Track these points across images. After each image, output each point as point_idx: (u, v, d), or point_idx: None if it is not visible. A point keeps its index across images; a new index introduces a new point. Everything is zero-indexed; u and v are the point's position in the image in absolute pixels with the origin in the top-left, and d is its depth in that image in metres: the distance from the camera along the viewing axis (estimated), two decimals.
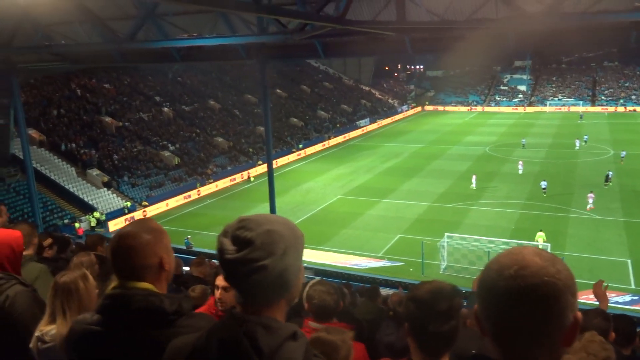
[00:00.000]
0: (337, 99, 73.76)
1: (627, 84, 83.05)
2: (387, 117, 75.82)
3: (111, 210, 35.20)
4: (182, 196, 38.93)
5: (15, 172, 33.84)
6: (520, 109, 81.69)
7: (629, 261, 24.02)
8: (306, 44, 19.51)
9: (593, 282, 4.50)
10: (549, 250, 21.28)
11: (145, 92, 52.23)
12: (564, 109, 78.54)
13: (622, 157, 42.94)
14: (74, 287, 3.02)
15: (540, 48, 17.44)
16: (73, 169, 38.10)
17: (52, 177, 36.17)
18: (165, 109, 50.94)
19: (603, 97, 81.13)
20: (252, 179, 43.84)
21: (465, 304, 2.54)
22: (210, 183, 42.01)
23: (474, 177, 37.49)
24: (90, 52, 23.65)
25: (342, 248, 27.18)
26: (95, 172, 38.28)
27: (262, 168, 42.16)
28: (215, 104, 56.39)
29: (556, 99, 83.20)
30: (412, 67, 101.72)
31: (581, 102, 79.13)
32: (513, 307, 1.17)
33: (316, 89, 73.54)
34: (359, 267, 24.40)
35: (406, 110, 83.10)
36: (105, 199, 36.34)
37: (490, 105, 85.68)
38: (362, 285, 14.26)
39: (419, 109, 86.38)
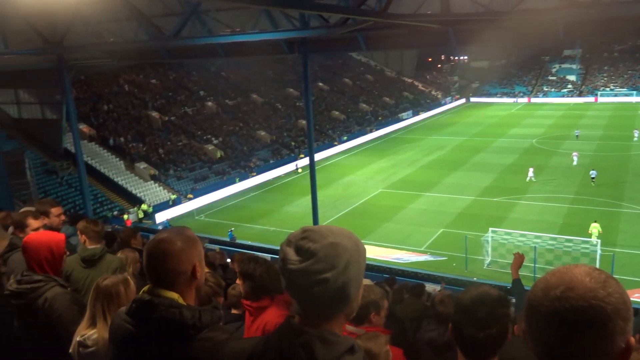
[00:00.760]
0: (379, 91, 73.18)
1: None
2: (430, 109, 74.72)
3: (158, 203, 36.16)
4: (225, 189, 39.57)
5: (67, 166, 35.14)
6: (570, 100, 78.95)
7: None
8: (348, 37, 19.43)
9: None
10: (599, 246, 20.58)
11: (189, 87, 53.24)
12: (617, 99, 75.38)
13: None
14: (114, 291, 3.04)
15: (591, 37, 16.79)
16: (122, 162, 39.30)
17: (102, 171, 37.41)
18: (209, 103, 51.80)
19: None
20: (300, 170, 43.92)
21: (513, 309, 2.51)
22: (252, 176, 42.51)
23: (531, 169, 36.48)
24: (137, 49, 24.29)
25: (384, 242, 27.04)
26: (142, 165, 39.37)
27: (305, 161, 42.29)
28: (257, 98, 56.94)
29: (608, 89, 79.94)
30: (456, 57, 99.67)
31: (635, 92, 75.74)
32: (557, 329, 1.13)
33: (358, 82, 73.16)
34: (401, 261, 24.24)
35: (450, 102, 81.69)
36: (152, 192, 37.34)
37: (538, 96, 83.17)
38: (405, 280, 14.19)
39: (462, 100, 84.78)
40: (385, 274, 19.60)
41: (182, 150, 43.28)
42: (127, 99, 46.62)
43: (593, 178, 34.05)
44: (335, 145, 52.76)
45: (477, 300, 2.13)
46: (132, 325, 2.05)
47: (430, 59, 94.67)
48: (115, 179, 37.22)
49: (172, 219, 33.86)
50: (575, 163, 39.00)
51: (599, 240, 23.18)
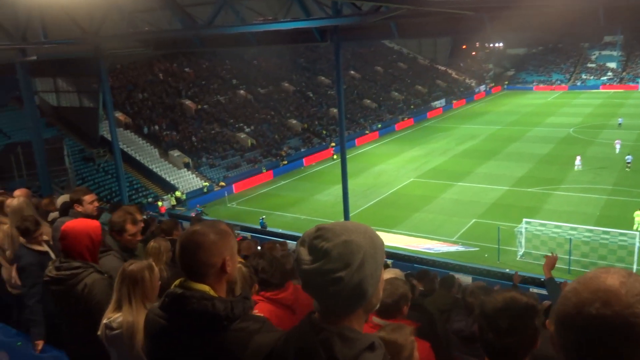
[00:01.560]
0: (411, 79, 72.30)
1: None
2: (464, 97, 73.49)
3: (191, 190, 36.75)
4: (256, 177, 39.90)
5: (104, 153, 35.97)
6: (609, 88, 76.46)
7: None
8: (380, 25, 19.20)
9: None
10: (638, 239, 19.90)
11: (222, 75, 53.67)
12: None
13: None
14: (140, 276, 3.09)
15: (632, 22, 16.16)
16: (156, 150, 40.01)
17: (137, 158, 38.18)
18: (241, 92, 52.15)
19: None
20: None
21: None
22: (283, 165, 42.71)
23: (578, 157, 35.70)
24: (171, 38, 24.58)
25: (415, 231, 26.87)
26: (176, 153, 40.01)
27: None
28: (289, 86, 57.01)
29: None
30: (491, 45, 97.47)
31: None
32: (592, 347, 1.07)
33: (390, 70, 72.41)
34: (432, 251, 24.07)
35: (484, 90, 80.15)
36: (186, 179, 37.96)
37: (576, 84, 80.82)
38: (435, 271, 14.07)
39: (498, 88, 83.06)
40: (415, 263, 19.54)
41: (214, 139, 43.78)
42: (161, 87, 47.34)
43: (629, 163, 33.67)
44: (367, 133, 52.52)
45: (501, 310, 2.11)
46: (165, 319, 2.10)
47: (464, 46, 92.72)
48: (150, 167, 37.95)
49: (205, 206, 34.37)
50: (617, 151, 37.88)
51: (638, 233, 22.52)
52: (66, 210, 5.68)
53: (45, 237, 4.93)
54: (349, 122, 50.89)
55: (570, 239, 21.61)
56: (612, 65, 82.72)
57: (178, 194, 35.59)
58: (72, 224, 3.67)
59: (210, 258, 2.07)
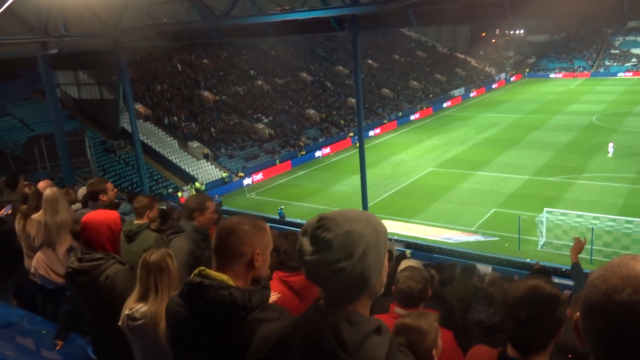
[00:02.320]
0: (430, 68, 71.60)
1: None
2: (483, 86, 72.56)
3: (210, 181, 37.03)
4: (275, 167, 40.01)
5: (125, 144, 36.40)
6: (634, 75, 74.71)
7: None
8: (398, 13, 19.04)
9: None
10: None
11: (240, 66, 53.74)
12: None
13: None
14: (165, 264, 3.11)
15: None
16: (175, 141, 40.34)
17: (157, 149, 38.54)
18: (259, 82, 52.20)
19: None
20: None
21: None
22: (302, 155, 42.73)
23: (610, 144, 35.22)
24: (189, 30, 24.67)
25: (434, 221, 26.71)
26: (195, 144, 40.30)
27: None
28: (307, 77, 56.89)
29: None
30: (512, 32, 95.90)
31: None
32: (624, 335, 1.03)
33: (408, 58, 71.78)
34: (451, 240, 23.93)
35: (504, 78, 79.02)
36: (205, 170, 38.24)
37: (599, 71, 79.20)
38: (454, 261, 14.00)
39: (518, 76, 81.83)
40: (434, 253, 19.46)
41: (233, 129, 43.96)
42: (180, 78, 47.59)
43: None
44: (385, 123, 52.23)
45: (522, 299, 2.09)
46: (185, 308, 2.12)
47: (483, 34, 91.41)
48: (170, 158, 38.30)
49: (223, 197, 34.63)
50: None
51: None
52: (87, 202, 5.75)
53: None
54: (367, 111, 50.66)
55: (593, 229, 21.28)
56: (637, 51, 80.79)
57: (197, 184, 35.88)
58: (92, 215, 3.70)
59: (240, 246, 2.09)
